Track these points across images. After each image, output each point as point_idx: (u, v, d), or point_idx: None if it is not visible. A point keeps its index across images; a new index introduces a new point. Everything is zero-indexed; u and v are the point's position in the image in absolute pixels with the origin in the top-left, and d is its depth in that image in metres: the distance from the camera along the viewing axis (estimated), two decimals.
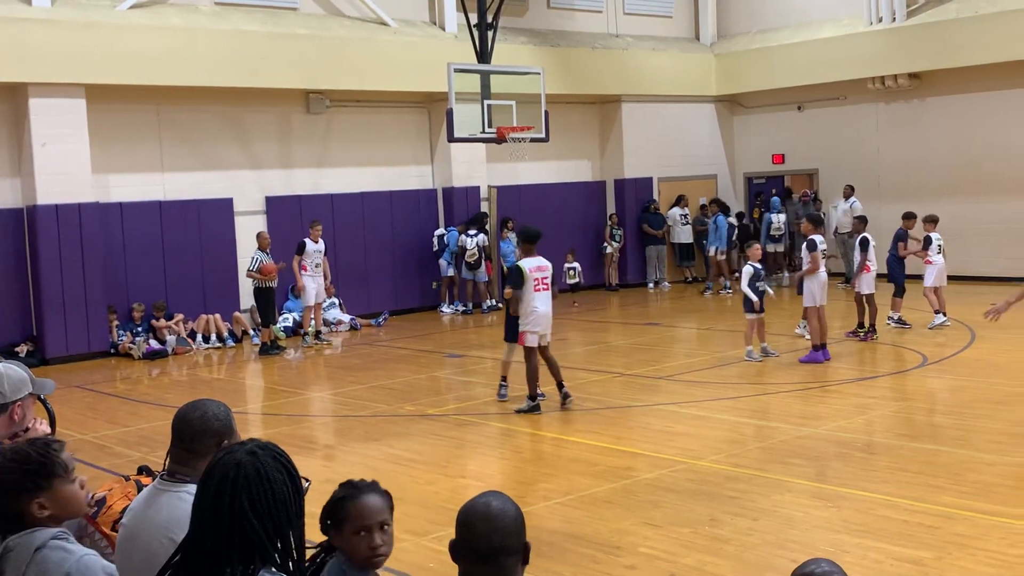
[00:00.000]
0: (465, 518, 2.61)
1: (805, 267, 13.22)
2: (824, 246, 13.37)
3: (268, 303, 15.95)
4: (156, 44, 15.92)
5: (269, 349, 15.77)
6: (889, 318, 15.12)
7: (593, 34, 22.11)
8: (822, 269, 13.14)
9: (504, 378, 11.43)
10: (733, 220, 22.15)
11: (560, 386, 10.81)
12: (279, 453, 2.47)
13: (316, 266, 16.51)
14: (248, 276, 15.95)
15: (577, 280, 20.45)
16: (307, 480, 2.65)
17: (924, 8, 20.63)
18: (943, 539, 6.54)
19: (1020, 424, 9.41)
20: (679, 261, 22.97)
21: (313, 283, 16.44)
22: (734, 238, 21.67)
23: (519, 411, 10.72)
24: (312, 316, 16.66)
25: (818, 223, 13.71)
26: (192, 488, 3.12)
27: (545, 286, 10.58)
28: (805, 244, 13.20)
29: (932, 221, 15.70)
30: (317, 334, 16.59)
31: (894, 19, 20.63)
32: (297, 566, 2.46)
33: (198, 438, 3.22)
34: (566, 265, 20.33)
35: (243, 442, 2.49)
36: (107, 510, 4.25)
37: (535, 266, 10.57)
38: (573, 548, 6.70)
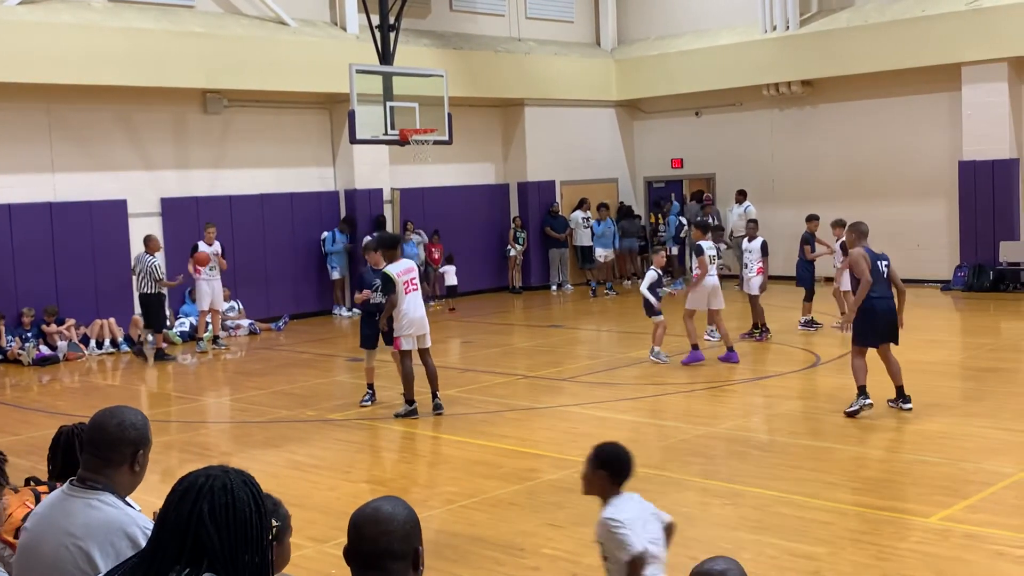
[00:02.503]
0: (354, 522, 2.60)
1: (695, 272, 13.42)
2: (713, 251, 13.61)
3: (160, 308, 15.55)
4: (46, 41, 15.42)
5: (163, 355, 15.36)
6: (800, 322, 15.42)
7: (496, 37, 22.17)
8: (712, 274, 13.36)
9: (370, 386, 11.32)
10: (633, 222, 22.60)
11: (434, 395, 10.71)
12: (250, 480, 2.49)
13: (211, 269, 16.18)
14: (164, 286, 15.48)
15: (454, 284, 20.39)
16: (279, 521, 2.74)
17: (816, 17, 21.21)
18: (836, 534, 6.72)
19: (908, 421, 9.72)
20: (581, 264, 23.17)
21: (208, 287, 16.13)
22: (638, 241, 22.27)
23: (397, 415, 10.65)
24: (209, 320, 16.34)
25: (706, 229, 13.95)
26: (105, 496, 3.06)
27: (415, 287, 10.49)
28: (693, 249, 13.41)
29: (840, 226, 15.87)
30: (215, 339, 16.27)
31: (788, 28, 21.16)
32: None
33: (114, 446, 3.16)
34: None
35: (221, 466, 2.55)
36: (7, 519, 4.15)
37: (402, 269, 10.47)
38: (477, 551, 6.69)
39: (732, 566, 2.83)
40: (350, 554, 2.60)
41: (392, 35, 16.97)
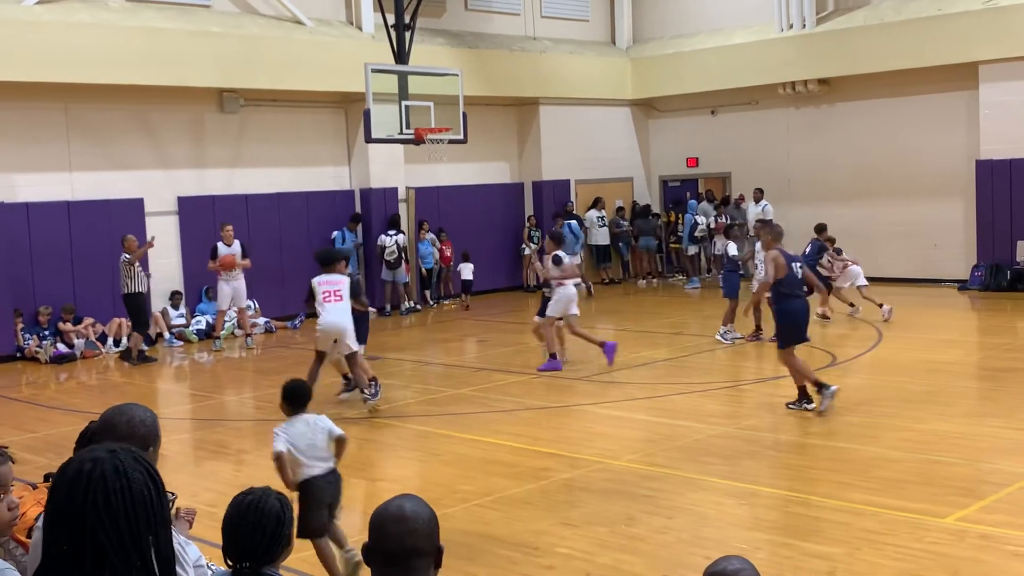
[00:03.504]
0: (377, 520, 2.61)
1: (556, 281, 13.17)
2: (568, 260, 13.69)
3: (140, 309, 15.29)
4: (64, 41, 15.51)
5: (133, 357, 15.03)
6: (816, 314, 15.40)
7: (511, 36, 22.18)
8: (569, 283, 13.37)
9: (374, 379, 11.45)
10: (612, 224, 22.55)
11: (345, 378, 11.72)
12: (140, 456, 2.23)
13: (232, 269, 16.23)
14: (133, 274, 15.19)
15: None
16: (173, 494, 2.55)
17: (833, 16, 21.14)
18: (852, 534, 6.70)
19: (923, 421, 9.69)
20: (597, 263, 23.18)
21: (228, 287, 16.16)
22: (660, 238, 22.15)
23: (366, 404, 11.01)
24: (226, 319, 16.44)
25: (560, 240, 13.78)
26: None
27: (337, 298, 11.01)
28: (551, 260, 13.16)
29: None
30: (247, 336, 16.42)
31: (804, 26, 21.10)
32: None
33: (124, 443, 3.16)
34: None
35: (102, 444, 2.27)
36: (21, 517, 4.16)
37: (324, 280, 11.10)
38: (491, 549, 6.70)
39: (746, 566, 2.83)
40: (372, 552, 2.61)
41: (407, 34, 17.01)
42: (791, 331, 10.25)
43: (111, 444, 2.25)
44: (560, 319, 13.13)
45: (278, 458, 6.03)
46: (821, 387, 10.07)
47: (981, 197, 19.24)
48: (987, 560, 6.25)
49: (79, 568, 2.08)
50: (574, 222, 21.56)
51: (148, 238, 15.59)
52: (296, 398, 6.24)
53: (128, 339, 15.74)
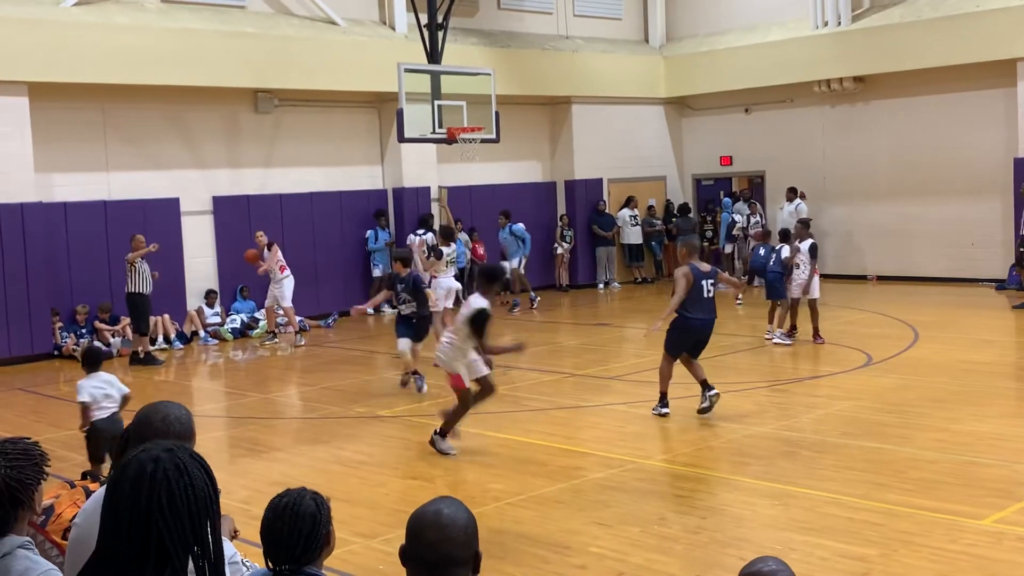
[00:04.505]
0: (415, 525, 2.58)
1: (432, 273, 14.27)
2: (451, 256, 14.30)
3: (142, 311, 15.00)
4: (101, 42, 15.69)
5: (141, 360, 14.92)
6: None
7: (543, 35, 22.17)
8: (448, 275, 14.20)
9: (416, 371, 12.13)
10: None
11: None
12: (195, 453, 2.28)
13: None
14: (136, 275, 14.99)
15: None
16: (218, 491, 2.60)
17: (869, 13, 20.95)
18: (887, 536, 6.64)
19: (960, 422, 9.58)
20: (629, 262, 23.13)
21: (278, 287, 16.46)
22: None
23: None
24: (275, 318, 16.91)
25: (449, 236, 14.86)
26: None
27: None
28: (434, 254, 14.21)
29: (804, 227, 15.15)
30: (272, 334, 16.65)
31: (839, 23, 20.93)
32: (214, 573, 2.23)
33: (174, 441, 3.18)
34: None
35: (156, 441, 2.31)
36: (56, 518, 4.18)
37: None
38: (523, 548, 6.71)
39: (781, 567, 2.81)
40: (408, 556, 2.58)
41: (440, 34, 17.03)
42: (679, 343, 10.14)
43: (166, 442, 2.28)
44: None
45: (83, 407, 8.16)
46: (662, 399, 10.24)
47: (1020, 196, 18.99)
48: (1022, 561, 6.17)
49: (140, 567, 2.12)
50: (519, 225, 20.42)
51: (149, 245, 15.02)
52: (90, 360, 8.51)
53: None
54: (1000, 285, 19.10)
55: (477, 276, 10.57)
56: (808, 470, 8.33)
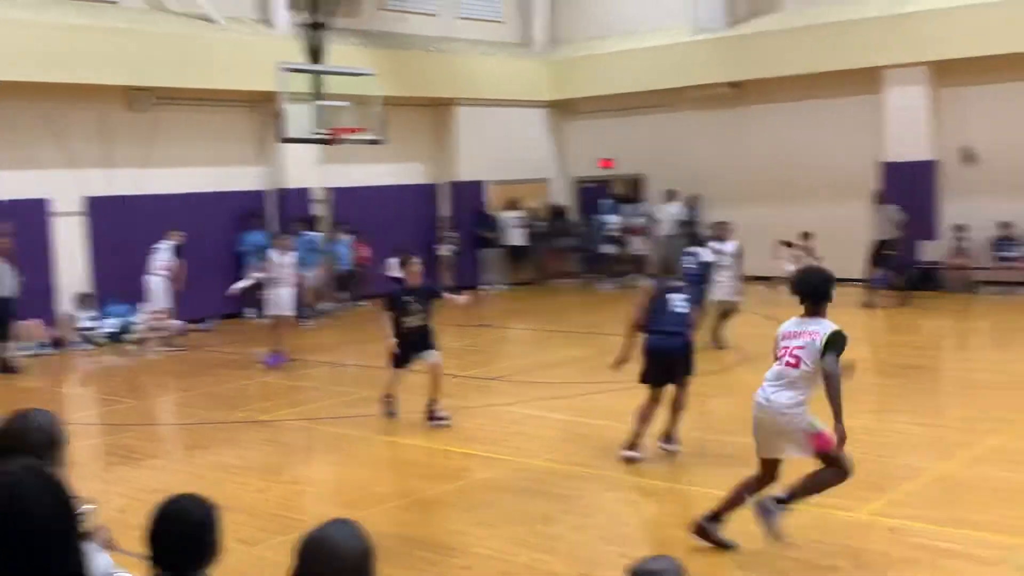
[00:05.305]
0: (302, 551, 2.48)
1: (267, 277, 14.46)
2: (289, 259, 14.44)
3: (1, 316, 14.28)
4: None
5: (2, 367, 14.21)
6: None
7: (427, 37, 22.11)
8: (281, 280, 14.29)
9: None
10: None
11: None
12: (47, 475, 2.08)
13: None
14: None
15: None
16: (92, 505, 2.46)
17: (744, 20, 21.52)
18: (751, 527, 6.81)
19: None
20: (512, 263, 23.23)
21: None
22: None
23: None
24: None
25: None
26: None
27: None
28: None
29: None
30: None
31: (717, 30, 21.43)
32: None
33: (17, 451, 3.06)
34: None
35: (4, 461, 2.14)
36: None
37: None
38: (408, 551, 6.68)
39: (671, 565, 2.82)
40: None
41: (322, 34, 16.84)
42: (647, 368, 8.79)
43: (14, 463, 2.13)
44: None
45: None
46: (667, 440, 8.94)
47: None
48: (903, 553, 6.42)
49: None
50: (317, 234, 19.24)
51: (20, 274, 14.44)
52: None
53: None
54: (870, 284, 19.77)
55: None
56: (687, 467, 8.50)
